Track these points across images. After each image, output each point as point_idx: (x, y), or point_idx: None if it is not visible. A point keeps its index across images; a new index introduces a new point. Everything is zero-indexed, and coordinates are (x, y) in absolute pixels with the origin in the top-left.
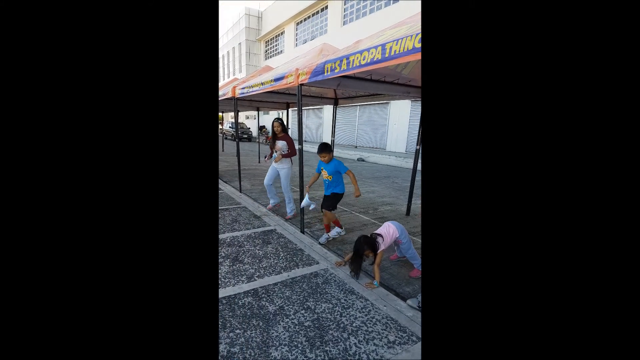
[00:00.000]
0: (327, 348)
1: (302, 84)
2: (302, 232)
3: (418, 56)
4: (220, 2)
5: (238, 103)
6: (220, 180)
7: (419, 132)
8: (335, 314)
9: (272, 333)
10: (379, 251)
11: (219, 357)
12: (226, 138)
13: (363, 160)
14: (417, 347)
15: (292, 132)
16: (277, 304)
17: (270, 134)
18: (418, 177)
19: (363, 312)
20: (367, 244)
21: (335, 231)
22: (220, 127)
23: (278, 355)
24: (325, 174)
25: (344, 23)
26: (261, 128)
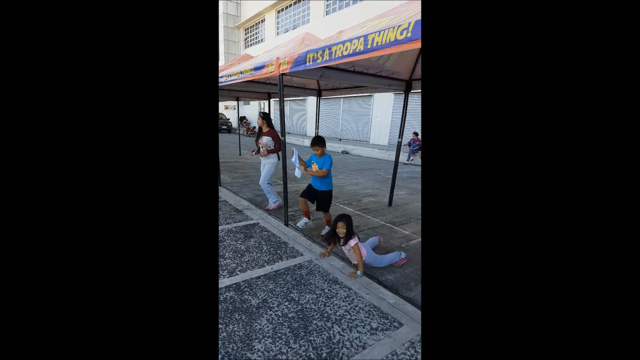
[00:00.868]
0: (311, 338)
1: (283, 74)
2: (287, 224)
3: (400, 48)
4: None
5: None
6: None
7: (401, 125)
8: (319, 304)
9: (256, 326)
10: (354, 244)
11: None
12: None
13: (347, 153)
14: (399, 333)
15: (275, 123)
16: (260, 297)
17: (251, 125)
18: (399, 169)
19: (346, 300)
20: (345, 220)
21: (303, 221)
22: None
23: (261, 347)
24: (315, 168)
25: (327, 13)
26: (242, 119)
